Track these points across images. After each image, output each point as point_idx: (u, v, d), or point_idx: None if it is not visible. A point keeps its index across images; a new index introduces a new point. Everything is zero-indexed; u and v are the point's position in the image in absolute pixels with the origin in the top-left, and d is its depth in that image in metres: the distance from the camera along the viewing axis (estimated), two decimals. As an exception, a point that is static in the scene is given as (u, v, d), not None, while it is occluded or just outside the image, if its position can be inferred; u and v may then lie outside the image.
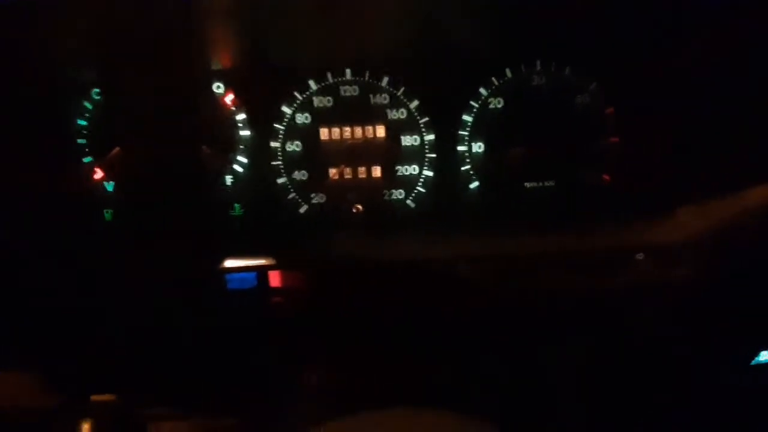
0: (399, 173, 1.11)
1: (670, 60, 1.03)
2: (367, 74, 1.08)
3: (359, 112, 1.08)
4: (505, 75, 1.08)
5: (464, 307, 1.04)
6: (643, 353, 1.03)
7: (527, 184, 1.10)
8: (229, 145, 1.09)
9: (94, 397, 0.68)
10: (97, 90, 1.07)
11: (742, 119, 1.00)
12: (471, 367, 1.02)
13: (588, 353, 1.00)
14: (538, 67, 1.08)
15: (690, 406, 1.03)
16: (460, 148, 1.10)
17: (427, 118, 1.09)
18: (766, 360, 1.09)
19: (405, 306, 1.04)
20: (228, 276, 0.98)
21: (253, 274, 0.98)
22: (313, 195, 1.11)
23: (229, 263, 1.00)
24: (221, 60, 1.06)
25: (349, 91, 1.08)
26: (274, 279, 1.00)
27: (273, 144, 1.09)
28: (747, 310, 1.00)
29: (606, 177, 1.10)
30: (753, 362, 1.07)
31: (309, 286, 1.05)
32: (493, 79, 1.08)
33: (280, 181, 1.10)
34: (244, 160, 1.10)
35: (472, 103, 1.09)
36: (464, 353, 1.04)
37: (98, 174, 1.09)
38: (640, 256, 0.96)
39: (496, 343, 1.02)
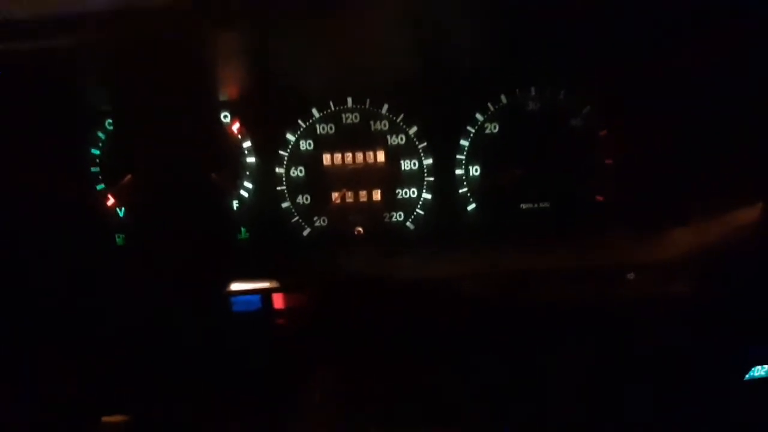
0: (399, 196, 1.15)
1: (662, 84, 1.06)
2: (367, 102, 1.12)
3: (360, 138, 1.13)
4: (501, 100, 1.12)
5: (463, 323, 1.07)
6: (636, 369, 1.05)
7: (523, 206, 1.14)
8: (235, 171, 1.13)
9: (105, 419, 0.72)
10: (110, 120, 1.12)
11: (732, 141, 1.03)
12: (471, 379, 1.05)
13: (581, 370, 1.03)
14: (533, 93, 1.11)
15: (685, 419, 1.05)
16: (458, 171, 1.14)
17: (425, 143, 1.13)
18: (759, 375, 1.11)
19: (406, 324, 1.07)
20: (234, 299, 1.02)
21: (257, 297, 1.02)
22: (315, 218, 1.15)
23: (236, 286, 1.04)
24: (228, 91, 1.11)
25: (351, 118, 1.13)
26: (279, 301, 1.04)
27: (278, 170, 1.14)
28: (739, 326, 1.03)
29: (599, 197, 1.13)
30: (747, 377, 1.09)
31: (312, 305, 1.09)
32: (489, 104, 1.12)
33: (284, 205, 1.15)
34: (250, 185, 1.14)
35: (469, 128, 1.12)
36: (464, 367, 1.07)
37: (110, 200, 1.13)
38: (631, 275, 0.99)
39: (493, 355, 1.04)
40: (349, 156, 1.13)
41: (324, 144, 1.13)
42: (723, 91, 1.02)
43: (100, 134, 1.12)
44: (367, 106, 1.12)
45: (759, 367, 1.10)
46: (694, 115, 1.05)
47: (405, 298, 1.07)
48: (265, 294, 1.03)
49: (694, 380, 1.07)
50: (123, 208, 1.14)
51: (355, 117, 1.12)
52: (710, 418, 1.06)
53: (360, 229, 1.14)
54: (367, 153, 1.13)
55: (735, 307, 1.02)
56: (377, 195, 1.14)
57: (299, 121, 1.12)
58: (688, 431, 1.05)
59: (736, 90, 1.02)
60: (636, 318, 1.04)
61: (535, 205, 1.13)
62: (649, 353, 1.06)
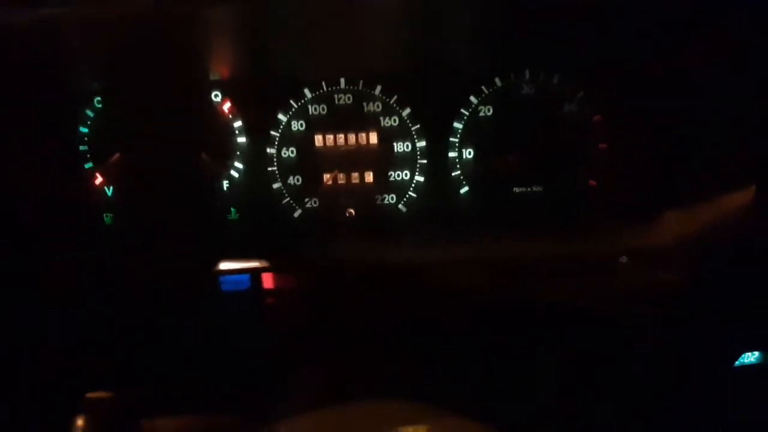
0: (391, 179, 1.14)
1: (656, 69, 1.06)
2: (360, 83, 1.11)
3: (353, 119, 1.11)
4: (495, 84, 1.11)
5: (455, 310, 1.06)
6: (628, 355, 1.05)
7: (516, 190, 1.13)
8: (226, 151, 1.12)
9: (90, 395, 0.71)
10: (99, 98, 1.10)
11: (726, 126, 1.03)
12: (462, 368, 1.05)
13: (574, 355, 1.02)
14: (527, 76, 1.11)
15: (675, 407, 1.05)
16: (451, 154, 1.13)
17: (418, 126, 1.12)
18: (749, 362, 1.11)
19: (396, 308, 1.07)
20: (223, 278, 1.01)
21: (247, 276, 1.01)
22: (306, 200, 1.14)
23: (225, 266, 1.03)
24: (219, 70, 1.09)
25: (343, 99, 1.12)
26: (268, 281, 1.03)
27: (269, 150, 1.12)
28: (730, 312, 1.03)
29: (593, 182, 1.12)
30: (736, 364, 1.10)
31: (302, 288, 1.08)
32: (483, 87, 1.11)
33: (275, 186, 1.13)
34: (241, 166, 1.13)
35: (463, 110, 1.12)
36: (455, 355, 1.06)
37: (98, 179, 1.12)
38: (623, 259, 0.99)
39: (486, 344, 1.04)
40: (341, 137, 1.12)
41: (316, 125, 1.11)
42: (717, 80, 1.02)
43: (89, 112, 1.10)
44: (360, 88, 1.11)
45: (749, 353, 1.11)
46: (687, 102, 1.05)
47: (395, 282, 1.07)
48: (255, 274, 1.02)
49: (684, 367, 1.07)
50: (111, 187, 1.12)
51: (348, 98, 1.11)
52: (701, 404, 1.07)
53: (351, 210, 1.13)
54: (359, 134, 1.12)
55: (725, 293, 1.02)
56: (369, 177, 1.13)
57: (291, 102, 1.11)
58: (679, 419, 1.05)
59: (731, 78, 1.02)
60: (627, 304, 1.04)
61: (528, 189, 1.13)
62: (640, 340, 1.06)
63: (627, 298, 1.03)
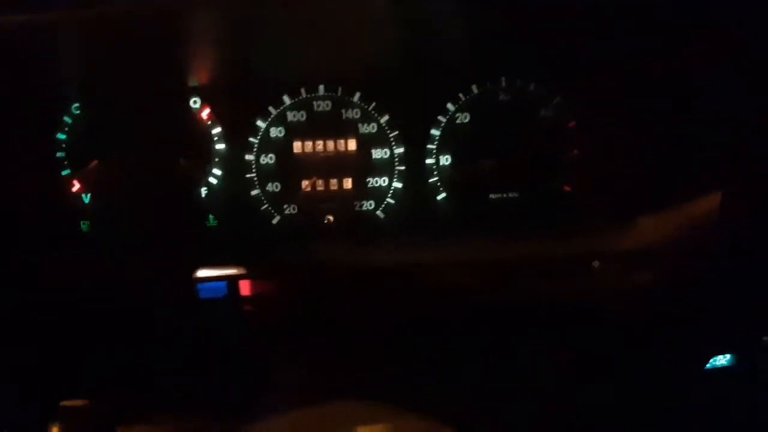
0: (369, 185, 1.15)
1: (630, 77, 1.08)
2: (339, 90, 1.12)
3: (331, 126, 1.12)
4: (472, 91, 1.13)
5: (432, 312, 1.08)
6: (602, 357, 1.07)
7: (492, 195, 1.15)
8: (204, 158, 1.12)
9: (65, 402, 0.70)
10: (77, 105, 1.10)
11: (697, 133, 1.05)
12: (439, 369, 1.05)
13: (547, 358, 1.04)
14: (503, 84, 1.12)
15: (649, 408, 1.07)
16: (428, 160, 1.14)
17: (396, 132, 1.13)
18: (720, 365, 1.13)
19: (375, 311, 1.08)
20: (201, 286, 1.01)
21: (224, 284, 1.01)
22: (285, 206, 1.14)
23: (203, 273, 1.03)
24: (198, 76, 1.10)
25: (322, 106, 1.12)
26: (246, 288, 1.03)
27: (247, 157, 1.13)
28: (700, 315, 1.05)
29: (567, 188, 1.14)
30: (707, 367, 1.12)
31: (280, 294, 1.08)
32: (460, 95, 1.13)
33: (253, 192, 1.14)
34: (219, 172, 1.13)
35: (440, 117, 1.13)
36: (433, 356, 1.07)
37: (76, 186, 1.11)
38: (596, 263, 1.01)
39: (463, 345, 1.05)
40: (320, 144, 1.12)
41: (295, 131, 1.12)
42: (689, 86, 1.05)
43: (67, 119, 1.10)
44: (338, 94, 1.12)
45: (720, 357, 1.13)
46: (660, 108, 1.07)
47: (373, 286, 1.07)
48: (233, 281, 1.02)
49: (655, 369, 1.09)
50: (89, 195, 1.12)
51: (327, 105, 1.12)
52: (674, 406, 1.09)
53: (330, 217, 1.14)
54: (338, 141, 1.13)
55: (696, 296, 1.04)
56: (348, 183, 1.14)
57: (270, 108, 1.12)
58: (650, 420, 1.07)
59: (702, 85, 1.04)
60: (600, 307, 1.06)
61: (505, 195, 1.15)
62: (613, 341, 1.07)
63: (600, 300, 1.05)
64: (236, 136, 1.12)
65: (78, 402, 0.70)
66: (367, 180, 1.14)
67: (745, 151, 1.03)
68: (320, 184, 1.14)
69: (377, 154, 1.14)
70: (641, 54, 1.06)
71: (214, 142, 1.12)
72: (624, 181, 1.10)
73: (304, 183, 1.13)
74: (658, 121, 1.07)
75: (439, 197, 1.15)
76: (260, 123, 1.12)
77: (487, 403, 0.98)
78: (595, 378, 1.07)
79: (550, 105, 1.12)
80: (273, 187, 1.14)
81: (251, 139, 1.12)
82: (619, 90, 1.09)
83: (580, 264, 1.02)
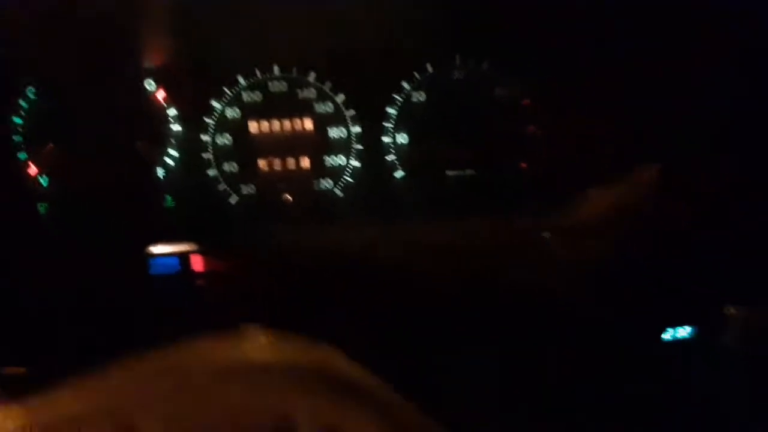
0: (327, 164, 1.15)
1: (582, 54, 1.09)
2: (294, 70, 1.13)
3: (287, 106, 1.13)
4: (426, 70, 1.13)
5: (391, 289, 1.08)
6: (559, 330, 1.07)
7: (449, 173, 1.15)
8: (161, 139, 1.12)
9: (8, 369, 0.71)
10: (32, 89, 1.10)
11: (647, 108, 1.07)
12: (395, 345, 1.06)
13: (503, 331, 1.04)
14: (458, 62, 1.13)
15: (607, 381, 1.08)
16: (385, 139, 1.15)
17: (353, 111, 1.14)
18: (679, 337, 1.14)
19: (333, 289, 1.08)
20: (154, 261, 1.01)
21: (176, 260, 1.01)
22: (243, 186, 1.15)
23: (159, 249, 1.03)
24: (153, 58, 1.10)
25: (278, 86, 1.13)
26: (199, 265, 1.03)
27: (204, 138, 1.13)
28: (652, 288, 1.06)
29: (523, 165, 1.15)
30: (665, 339, 1.13)
31: (237, 272, 1.08)
32: (415, 73, 1.13)
33: (210, 173, 1.14)
34: (176, 153, 1.13)
35: (396, 96, 1.14)
36: (393, 334, 1.07)
37: (33, 169, 1.11)
38: (546, 234, 1.01)
39: (417, 319, 1.06)
40: (276, 124, 1.13)
41: (251, 112, 1.13)
42: (640, 64, 1.06)
43: (22, 102, 1.10)
44: (294, 74, 1.12)
45: (677, 328, 1.14)
46: (611, 85, 1.08)
47: (332, 265, 1.08)
48: (186, 258, 1.02)
49: (612, 342, 1.09)
50: (46, 177, 1.12)
51: (282, 85, 1.13)
52: (631, 379, 1.09)
53: (288, 196, 1.14)
54: (294, 121, 1.13)
55: (646, 269, 1.05)
56: (305, 163, 1.14)
57: (225, 89, 1.12)
58: (610, 393, 1.07)
59: (652, 63, 1.06)
60: (555, 280, 1.06)
61: (462, 172, 1.15)
62: (568, 317, 1.08)
63: (555, 273, 1.05)
64: (192, 117, 1.13)
65: (18, 369, 0.70)
66: (325, 159, 1.15)
67: (691, 124, 1.05)
68: (278, 164, 1.14)
69: (334, 133, 1.14)
70: (593, 32, 1.07)
71: (170, 124, 1.12)
72: (578, 157, 1.11)
73: (262, 163, 1.14)
74: (610, 97, 1.08)
75: (397, 175, 1.16)
76: (216, 104, 1.12)
77: (433, 373, 0.99)
78: (553, 351, 1.08)
79: (504, 83, 1.13)
80: (230, 167, 1.14)
81: (207, 119, 1.13)
82: (572, 68, 1.10)
83: (532, 236, 1.02)
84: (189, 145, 1.13)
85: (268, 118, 1.13)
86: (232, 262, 1.06)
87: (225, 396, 0.45)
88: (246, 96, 1.12)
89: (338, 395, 0.46)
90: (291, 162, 1.14)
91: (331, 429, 0.44)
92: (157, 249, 1.02)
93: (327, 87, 1.13)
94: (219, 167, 1.14)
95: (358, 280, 1.09)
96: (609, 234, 1.01)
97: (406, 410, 0.48)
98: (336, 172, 1.15)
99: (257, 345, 0.49)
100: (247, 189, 1.15)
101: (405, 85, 1.14)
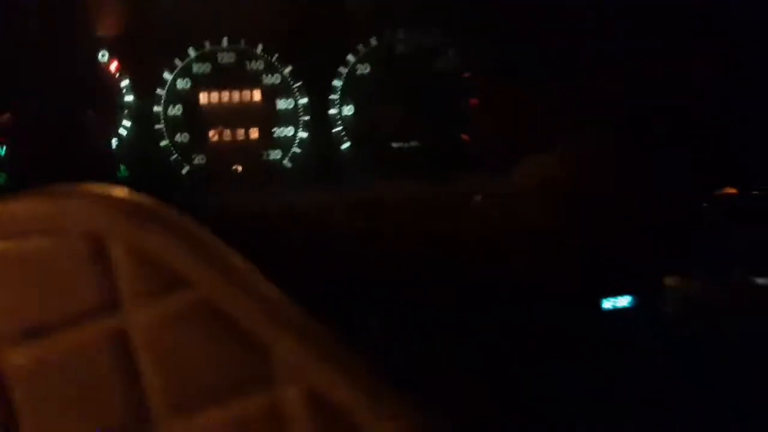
0: (275, 135, 1.19)
1: (524, 26, 1.12)
2: (242, 42, 1.16)
3: (236, 77, 1.16)
4: (370, 43, 1.16)
5: (335, 253, 1.11)
6: (496, 302, 1.10)
7: (394, 144, 1.19)
8: (113, 110, 1.16)
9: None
10: (-13, 59, 1.14)
11: (590, 78, 1.09)
12: (343, 314, 1.09)
13: (442, 297, 1.08)
14: (401, 35, 1.16)
15: (547, 351, 1.11)
16: (332, 111, 1.18)
17: (300, 83, 1.17)
18: (619, 306, 1.17)
19: (281, 254, 1.11)
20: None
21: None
22: (194, 156, 1.18)
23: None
24: (105, 29, 1.14)
25: (226, 57, 1.16)
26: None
27: (155, 109, 1.17)
28: (588, 256, 1.09)
29: (465, 137, 1.18)
30: (605, 308, 1.16)
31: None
32: (360, 46, 1.17)
33: (162, 143, 1.18)
34: (129, 124, 1.17)
35: (341, 69, 1.17)
36: (337, 300, 1.11)
37: (-9, 139, 1.15)
38: (477, 197, 1.04)
39: (360, 286, 1.09)
40: (225, 95, 1.16)
41: (200, 83, 1.16)
42: (581, 35, 1.09)
43: (-21, 74, 1.14)
44: (242, 46, 1.16)
45: (617, 298, 1.17)
46: (551, 56, 1.11)
47: (278, 229, 1.11)
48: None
49: (551, 311, 1.12)
50: (4, 147, 1.16)
51: (231, 56, 1.16)
52: (569, 348, 1.12)
53: (239, 167, 1.17)
54: (243, 92, 1.17)
55: (589, 237, 1.08)
56: (254, 133, 1.18)
57: (176, 61, 1.15)
58: (547, 362, 1.10)
59: (593, 31, 1.09)
60: (493, 250, 1.09)
61: (406, 144, 1.18)
62: (509, 284, 1.11)
63: (492, 239, 1.08)
64: (144, 89, 1.16)
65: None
66: (273, 130, 1.18)
67: (630, 91, 1.08)
68: (227, 135, 1.18)
69: (282, 104, 1.18)
70: (534, 4, 1.10)
71: (122, 95, 1.16)
72: (516, 128, 1.14)
73: (212, 133, 1.17)
74: (549, 68, 1.11)
75: (344, 146, 1.19)
76: (167, 75, 1.16)
77: (377, 343, 1.02)
78: (494, 320, 1.11)
79: (446, 56, 1.16)
80: (182, 137, 1.18)
81: (159, 90, 1.16)
82: (510, 40, 1.13)
83: (465, 201, 1.05)
84: (141, 115, 1.16)
85: (218, 89, 1.16)
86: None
87: None
88: (196, 67, 1.16)
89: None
90: (241, 133, 1.18)
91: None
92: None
93: (274, 59, 1.16)
94: (171, 138, 1.17)
95: (303, 245, 1.12)
96: (537, 200, 1.04)
97: None
98: (285, 143, 1.19)
99: None
100: (198, 159, 1.18)
101: (350, 57, 1.17)
